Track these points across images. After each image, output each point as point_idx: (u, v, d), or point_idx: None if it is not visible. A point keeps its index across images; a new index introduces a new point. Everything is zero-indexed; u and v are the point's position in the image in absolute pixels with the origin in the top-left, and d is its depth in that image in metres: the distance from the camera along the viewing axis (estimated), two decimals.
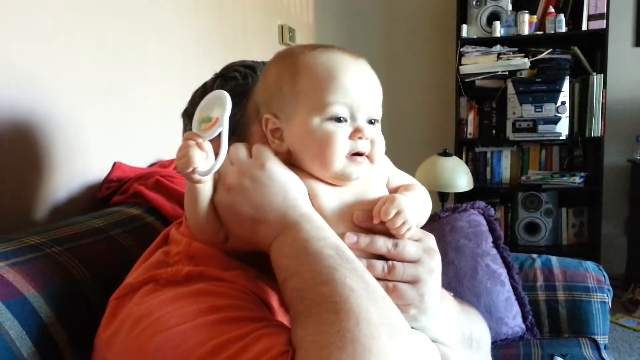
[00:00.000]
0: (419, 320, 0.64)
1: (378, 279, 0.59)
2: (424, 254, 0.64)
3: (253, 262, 0.66)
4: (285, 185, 0.62)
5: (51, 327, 0.67)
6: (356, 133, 0.62)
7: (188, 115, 0.79)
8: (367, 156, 0.64)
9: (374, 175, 0.68)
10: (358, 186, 0.65)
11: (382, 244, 0.62)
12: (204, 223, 0.64)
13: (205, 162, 0.59)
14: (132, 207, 1.02)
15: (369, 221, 0.63)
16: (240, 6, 2.05)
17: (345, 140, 0.62)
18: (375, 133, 0.65)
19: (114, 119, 1.26)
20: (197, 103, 0.79)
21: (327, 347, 0.48)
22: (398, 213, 0.62)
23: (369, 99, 0.64)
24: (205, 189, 0.63)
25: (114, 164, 1.22)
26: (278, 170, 0.62)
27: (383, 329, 0.50)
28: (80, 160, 1.13)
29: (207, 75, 0.81)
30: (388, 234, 0.63)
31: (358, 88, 0.63)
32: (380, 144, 0.65)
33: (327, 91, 0.61)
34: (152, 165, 1.36)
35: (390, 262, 0.62)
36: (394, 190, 0.69)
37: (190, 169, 0.58)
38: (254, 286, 0.63)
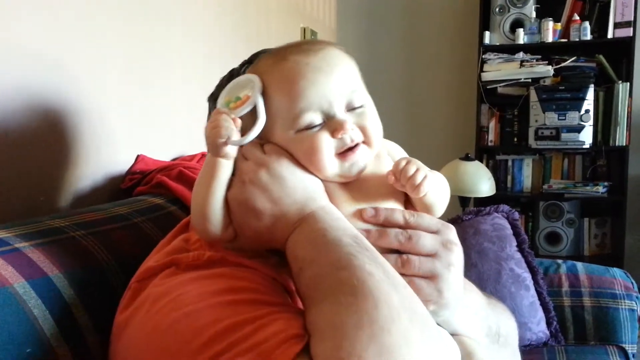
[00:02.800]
0: (439, 315, 0.62)
1: None
2: (441, 247, 0.61)
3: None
4: (304, 179, 0.61)
5: (74, 309, 0.66)
6: (337, 131, 0.59)
7: (214, 99, 0.79)
8: (364, 142, 0.62)
9: (382, 165, 0.66)
10: (369, 180, 0.64)
11: (394, 236, 0.60)
12: (215, 215, 0.60)
13: (236, 134, 0.57)
14: (155, 197, 1.02)
15: (378, 216, 0.61)
16: (264, 7, 2.06)
17: (329, 142, 0.60)
18: (361, 118, 0.62)
19: (138, 113, 1.26)
20: (223, 87, 0.79)
21: (343, 326, 0.46)
22: (417, 169, 0.61)
23: (336, 90, 0.60)
24: (227, 169, 0.60)
25: (137, 156, 1.23)
26: (295, 165, 0.61)
27: (404, 313, 0.48)
28: (105, 151, 1.14)
29: None
30: (401, 228, 0.61)
31: (319, 87, 0.59)
32: (373, 125, 0.62)
33: (290, 103, 0.59)
34: (174, 160, 1.36)
35: (404, 256, 0.60)
36: None
37: (223, 139, 0.56)
38: (276, 274, 0.61)
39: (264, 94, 0.60)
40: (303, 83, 0.59)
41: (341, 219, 0.59)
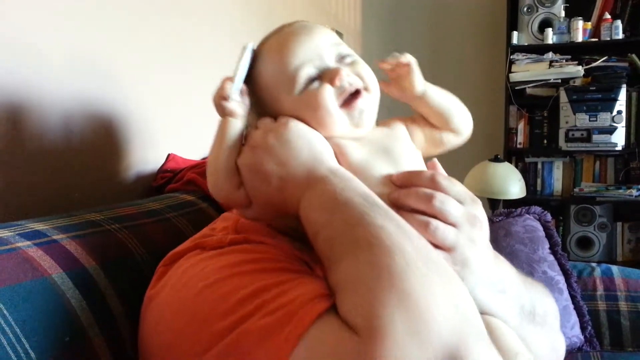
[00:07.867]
0: None
1: None
2: (465, 220, 0.58)
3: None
4: (310, 141, 0.61)
5: (109, 300, 0.67)
6: (334, 78, 0.61)
7: None
8: (364, 89, 0.64)
9: (393, 126, 0.69)
10: (381, 139, 0.65)
11: (419, 196, 0.58)
12: (226, 173, 0.62)
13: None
14: (186, 194, 1.02)
15: (406, 178, 0.61)
16: (290, 6, 2.07)
17: (330, 92, 0.62)
18: (355, 67, 0.64)
19: (168, 114, 1.28)
20: None
21: (362, 280, 0.46)
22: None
23: (323, 44, 0.64)
24: (235, 127, 0.63)
25: (168, 155, 1.24)
26: (302, 127, 0.62)
27: (420, 261, 0.48)
28: (136, 151, 1.15)
29: None
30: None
31: (307, 44, 0.63)
32: (367, 72, 0.65)
33: (284, 66, 0.63)
34: (204, 159, 1.37)
35: (431, 220, 0.57)
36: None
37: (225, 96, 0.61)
38: (300, 253, 0.61)
39: (261, 68, 0.65)
40: (291, 44, 0.63)
41: (351, 179, 0.58)
